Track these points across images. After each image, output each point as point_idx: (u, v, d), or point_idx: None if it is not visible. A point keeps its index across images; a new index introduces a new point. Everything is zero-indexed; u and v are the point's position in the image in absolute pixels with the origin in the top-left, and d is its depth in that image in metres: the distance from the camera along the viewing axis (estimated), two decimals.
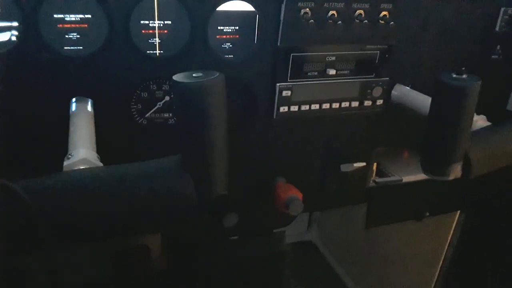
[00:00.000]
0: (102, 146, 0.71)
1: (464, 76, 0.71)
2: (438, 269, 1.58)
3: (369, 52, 0.98)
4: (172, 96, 0.90)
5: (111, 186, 0.54)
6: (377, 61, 1.00)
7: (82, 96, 0.82)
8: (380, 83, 1.02)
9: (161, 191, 0.56)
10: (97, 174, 0.56)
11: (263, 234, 1.27)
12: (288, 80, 0.94)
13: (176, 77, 0.56)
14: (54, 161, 0.63)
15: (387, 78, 1.02)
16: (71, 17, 0.80)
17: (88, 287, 1.53)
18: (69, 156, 0.61)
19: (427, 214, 1.33)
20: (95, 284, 1.52)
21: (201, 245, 1.26)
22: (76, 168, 0.60)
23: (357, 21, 0.93)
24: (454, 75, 0.71)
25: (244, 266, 1.30)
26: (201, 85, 0.55)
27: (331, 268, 2.00)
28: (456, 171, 0.77)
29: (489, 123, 0.89)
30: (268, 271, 1.36)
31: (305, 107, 0.97)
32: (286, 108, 0.96)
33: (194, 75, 0.56)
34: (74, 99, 0.81)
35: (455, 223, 1.50)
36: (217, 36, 0.91)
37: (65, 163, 0.61)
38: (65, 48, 0.81)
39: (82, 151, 0.63)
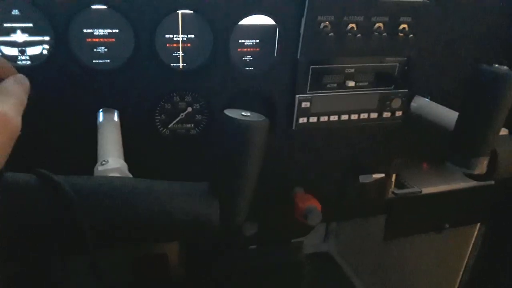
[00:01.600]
0: (126, 155, 0.74)
1: (505, 67, 0.72)
2: (458, 283, 1.55)
3: (388, 64, 0.99)
4: (194, 107, 0.92)
5: (144, 198, 0.56)
6: (396, 73, 1.01)
7: (108, 107, 0.85)
8: (399, 95, 1.02)
9: (189, 212, 0.59)
10: (132, 184, 0.58)
11: (281, 244, 1.28)
12: (308, 92, 0.96)
13: (228, 112, 0.58)
14: (81, 169, 0.65)
15: (406, 90, 1.03)
16: (100, 31, 0.83)
17: None
18: (103, 163, 0.64)
19: (447, 226, 1.32)
20: None
21: (219, 253, 1.27)
22: (109, 175, 0.62)
23: (376, 34, 0.94)
24: (496, 65, 0.72)
25: (262, 275, 1.30)
26: (253, 125, 0.58)
27: (348, 279, 1.99)
28: (482, 166, 0.77)
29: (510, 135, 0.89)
30: (286, 281, 1.36)
31: (324, 119, 0.99)
32: (305, 119, 0.98)
33: (243, 113, 0.59)
34: (101, 110, 0.84)
35: (475, 235, 1.47)
36: (238, 49, 0.93)
37: (100, 168, 0.63)
38: (94, 61, 0.84)
39: (116, 160, 0.66)
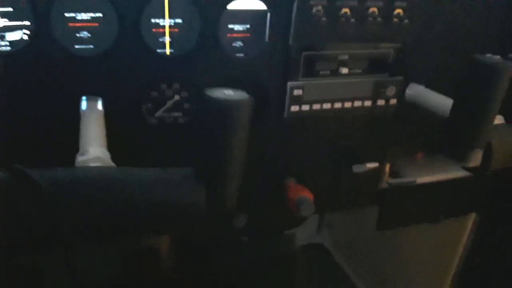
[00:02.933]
0: (111, 144, 0.71)
1: (498, 57, 0.70)
2: (452, 273, 1.55)
3: (383, 50, 0.97)
4: (182, 95, 0.90)
5: (125, 188, 0.54)
6: (390, 60, 0.98)
7: (92, 95, 0.82)
8: (394, 82, 1.00)
9: (173, 199, 0.56)
10: (111, 173, 0.55)
11: (273, 236, 1.26)
12: (300, 79, 0.93)
13: (209, 92, 0.56)
14: (63, 159, 0.63)
15: (401, 77, 1.01)
16: (82, 15, 0.79)
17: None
18: (84, 153, 0.61)
19: (442, 216, 1.30)
20: (103, 285, 1.53)
21: (210, 246, 1.25)
22: (89, 165, 0.59)
23: (371, 19, 0.91)
24: (489, 55, 0.70)
25: (254, 267, 1.29)
26: (233, 103, 0.55)
27: (341, 270, 1.98)
28: (476, 158, 0.75)
29: (505, 124, 0.87)
30: (280, 273, 1.35)
31: (316, 107, 0.96)
32: (297, 107, 0.95)
33: (225, 92, 0.56)
34: (84, 98, 0.81)
35: (470, 226, 1.47)
36: (228, 35, 0.90)
37: (79, 159, 0.61)
38: (76, 46, 0.81)
39: (97, 149, 0.63)
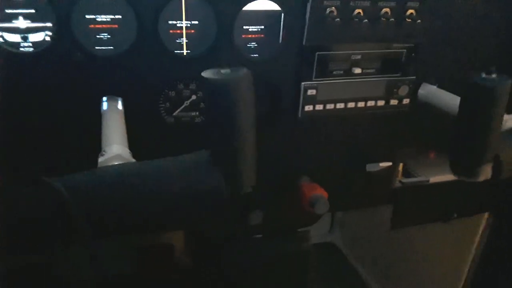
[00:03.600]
0: (130, 143, 0.73)
1: (494, 76, 0.70)
2: (465, 273, 1.54)
3: (395, 50, 0.97)
4: (198, 95, 0.92)
5: (145, 181, 0.55)
6: (403, 60, 0.99)
7: (112, 94, 0.84)
8: (407, 82, 1.01)
9: (194, 185, 0.57)
10: (130, 169, 0.57)
11: (287, 233, 1.27)
12: (313, 79, 0.94)
13: (205, 73, 0.57)
14: (87, 157, 0.65)
15: (414, 77, 1.01)
16: (102, 17, 0.82)
17: (112, 282, 1.56)
18: (103, 153, 0.63)
19: (455, 215, 1.30)
20: (118, 280, 1.55)
21: (225, 243, 1.27)
22: (110, 164, 0.61)
23: (383, 19, 0.92)
24: (484, 75, 0.70)
25: (268, 265, 1.30)
26: (229, 81, 0.56)
27: (353, 269, 1.98)
28: (486, 173, 0.75)
29: None
30: (293, 271, 1.36)
31: (330, 106, 0.97)
32: (311, 107, 0.96)
33: (222, 71, 0.57)
34: (105, 98, 0.83)
35: (483, 225, 1.46)
36: (243, 36, 0.92)
37: (100, 159, 0.63)
38: (96, 48, 0.83)
39: (116, 148, 0.65)
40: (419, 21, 0.95)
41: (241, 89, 0.57)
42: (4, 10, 0.76)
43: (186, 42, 0.88)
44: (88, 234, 0.50)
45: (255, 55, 0.93)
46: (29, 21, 0.79)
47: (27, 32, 0.79)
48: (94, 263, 0.54)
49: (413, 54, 0.99)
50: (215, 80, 0.55)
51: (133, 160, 0.65)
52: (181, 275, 1.58)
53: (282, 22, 0.91)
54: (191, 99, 0.92)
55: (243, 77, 0.57)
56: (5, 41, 0.78)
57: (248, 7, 0.87)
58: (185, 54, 0.89)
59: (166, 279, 1.60)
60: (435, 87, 1.03)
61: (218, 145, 0.59)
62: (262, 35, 0.93)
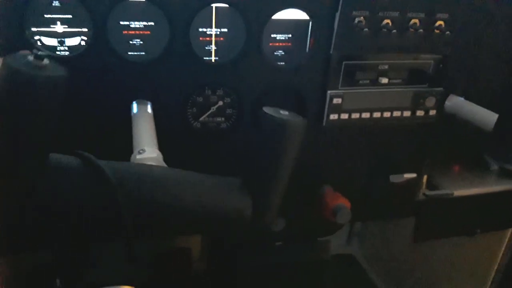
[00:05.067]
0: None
1: None
2: None
3: (423, 61, 0.97)
4: (225, 101, 0.93)
5: (178, 188, 0.57)
6: (431, 71, 0.98)
7: (142, 98, 0.86)
8: (434, 93, 1.00)
9: (221, 206, 0.59)
10: (168, 173, 0.58)
11: (307, 242, 1.27)
12: (339, 88, 0.95)
13: (267, 110, 0.58)
14: (115, 158, 0.66)
15: (441, 88, 1.00)
16: (136, 24, 0.84)
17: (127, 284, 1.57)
18: (141, 152, 0.64)
19: (478, 231, 1.28)
20: (134, 283, 1.56)
21: (243, 249, 1.27)
22: (146, 163, 0.63)
23: (412, 30, 0.92)
24: None
25: (285, 272, 1.30)
26: (295, 124, 0.58)
27: (371, 282, 1.95)
28: None
29: None
30: (311, 279, 1.35)
31: (355, 115, 0.97)
32: (336, 116, 0.96)
33: (281, 112, 0.59)
34: (135, 102, 0.85)
35: (506, 241, 1.43)
36: (270, 44, 0.93)
37: (138, 157, 0.64)
38: (129, 53, 0.85)
39: (153, 150, 0.67)
40: (447, 32, 0.94)
41: (299, 133, 0.59)
42: (43, 15, 0.80)
43: (214, 49, 0.90)
44: (131, 227, 0.51)
45: (282, 63, 0.94)
46: (66, 26, 0.82)
47: (64, 37, 0.82)
48: (128, 257, 0.55)
49: (441, 65, 0.98)
50: (280, 119, 0.57)
51: (165, 164, 0.66)
52: (196, 279, 1.59)
53: (309, 31, 0.92)
54: (217, 105, 0.93)
55: (303, 123, 0.59)
56: (43, 44, 0.81)
57: (277, 16, 0.89)
58: (213, 61, 0.91)
59: (180, 282, 1.61)
60: (462, 99, 1.02)
61: (257, 177, 0.61)
62: (290, 44, 0.94)
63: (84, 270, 1.27)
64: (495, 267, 1.46)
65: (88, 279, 1.37)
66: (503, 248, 1.43)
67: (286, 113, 0.58)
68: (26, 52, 0.46)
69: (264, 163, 0.60)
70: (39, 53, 0.45)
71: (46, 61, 0.46)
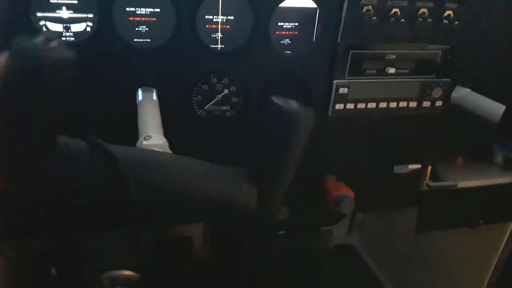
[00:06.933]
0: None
1: None
2: (487, 280, 1.51)
3: (431, 51, 0.96)
4: (231, 89, 0.92)
5: (184, 175, 0.56)
6: (438, 61, 0.98)
7: (147, 85, 0.86)
8: (441, 84, 0.99)
9: (226, 195, 0.59)
10: (175, 159, 0.58)
11: (310, 231, 1.27)
12: (346, 77, 0.94)
13: (275, 99, 0.58)
14: (120, 144, 0.66)
15: (448, 79, 1.00)
16: (142, 10, 0.83)
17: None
18: (147, 138, 0.64)
19: (481, 222, 1.28)
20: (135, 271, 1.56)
21: (246, 238, 1.28)
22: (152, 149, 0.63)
23: (420, 19, 0.91)
24: None
25: (288, 261, 1.30)
26: (307, 115, 0.57)
27: (371, 272, 1.97)
28: None
29: None
30: (312, 268, 1.36)
31: (361, 105, 0.97)
32: (342, 106, 0.96)
33: (289, 101, 0.58)
34: (140, 89, 0.84)
35: (508, 233, 1.43)
36: (277, 32, 0.92)
37: (144, 143, 0.64)
38: (135, 40, 0.84)
39: (159, 136, 0.66)
40: (456, 22, 0.93)
41: (309, 126, 0.58)
42: (49, 0, 0.79)
43: (221, 37, 0.89)
44: (138, 210, 0.51)
45: (288, 52, 0.94)
46: (71, 12, 0.81)
47: (70, 22, 0.81)
48: (135, 242, 0.55)
49: (449, 56, 0.97)
50: (290, 111, 0.56)
51: (170, 151, 0.66)
52: (197, 268, 1.59)
53: (317, 19, 0.91)
54: (223, 93, 0.92)
55: (314, 116, 0.58)
56: (48, 30, 0.80)
57: (284, 3, 0.87)
58: (219, 48, 0.90)
59: (182, 271, 1.61)
60: (469, 90, 1.01)
61: (264, 168, 0.60)
62: (296, 32, 0.93)
63: (82, 258, 1.28)
64: (496, 259, 1.47)
65: (87, 267, 1.38)
66: (505, 240, 1.43)
67: (295, 103, 0.58)
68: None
69: (272, 155, 0.60)
70: (48, 35, 0.45)
71: (54, 43, 0.46)
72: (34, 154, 0.48)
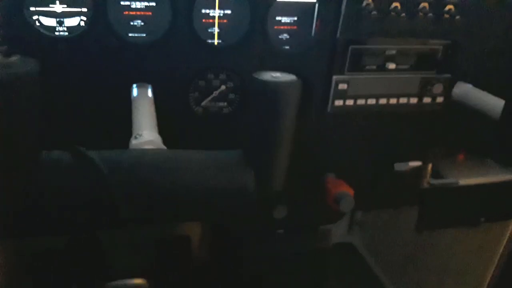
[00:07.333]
0: (158, 130, 0.72)
1: None
2: (488, 280, 1.50)
3: (432, 47, 0.95)
4: (228, 85, 0.91)
5: (177, 169, 0.55)
6: (439, 57, 0.96)
7: (142, 81, 0.84)
8: (442, 80, 0.98)
9: (224, 182, 0.57)
10: (164, 155, 0.57)
11: (308, 230, 1.26)
12: (345, 73, 0.92)
13: (256, 75, 0.56)
14: (114, 140, 0.64)
15: (449, 75, 0.98)
16: (137, 4, 0.82)
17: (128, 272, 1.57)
18: (137, 136, 0.63)
19: (483, 220, 1.27)
20: (134, 270, 1.56)
21: (245, 237, 1.26)
22: (143, 147, 0.61)
23: (421, 14, 0.89)
24: None
25: (287, 260, 1.29)
26: (284, 85, 0.55)
27: (371, 271, 1.96)
28: None
29: None
30: (312, 267, 1.35)
31: (361, 102, 0.95)
32: (341, 102, 0.94)
33: (272, 75, 0.56)
34: (135, 85, 0.83)
35: (509, 231, 1.42)
36: (275, 27, 0.91)
37: (134, 142, 0.63)
38: (130, 34, 0.83)
39: (150, 133, 0.65)
40: (457, 17, 0.92)
41: (290, 94, 0.56)
42: None
43: (218, 31, 0.88)
44: (124, 213, 0.50)
45: (286, 47, 0.92)
46: (65, 6, 0.79)
47: (63, 17, 0.80)
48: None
49: (449, 51, 0.96)
50: (268, 81, 0.55)
51: (164, 147, 0.65)
52: (199, 266, 1.58)
53: (316, 14, 0.90)
54: (220, 89, 0.91)
55: (295, 84, 0.56)
56: (41, 24, 0.79)
57: None
58: (216, 43, 0.88)
59: (181, 270, 1.60)
60: (470, 86, 1.00)
61: (255, 147, 0.59)
62: (295, 27, 0.91)
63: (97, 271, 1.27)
64: (497, 257, 1.45)
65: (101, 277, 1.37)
66: (506, 238, 1.42)
67: (279, 74, 0.56)
68: None
69: (261, 130, 0.58)
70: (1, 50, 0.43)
71: (13, 58, 0.44)
72: (13, 172, 0.47)
